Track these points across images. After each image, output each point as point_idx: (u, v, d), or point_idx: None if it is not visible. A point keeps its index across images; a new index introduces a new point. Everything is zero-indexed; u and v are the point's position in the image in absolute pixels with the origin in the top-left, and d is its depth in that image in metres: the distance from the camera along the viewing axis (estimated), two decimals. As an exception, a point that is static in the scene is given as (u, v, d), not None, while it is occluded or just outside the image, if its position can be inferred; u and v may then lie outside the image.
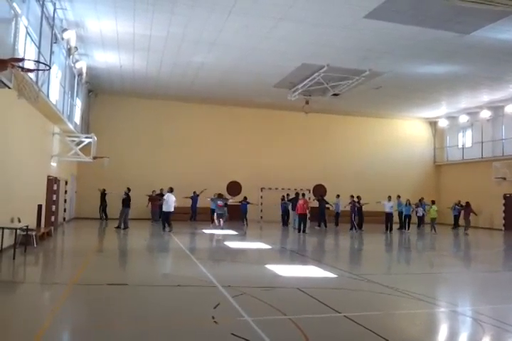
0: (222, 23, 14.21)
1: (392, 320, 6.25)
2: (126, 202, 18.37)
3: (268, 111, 26.76)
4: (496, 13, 12.33)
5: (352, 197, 22.07)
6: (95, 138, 18.85)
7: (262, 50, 16.71)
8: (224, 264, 11.06)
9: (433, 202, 22.71)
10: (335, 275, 9.28)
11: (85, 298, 6.98)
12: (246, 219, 22.47)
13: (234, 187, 25.86)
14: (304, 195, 21.20)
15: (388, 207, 21.57)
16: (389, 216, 21.31)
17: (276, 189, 25.76)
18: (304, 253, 13.45)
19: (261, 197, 25.76)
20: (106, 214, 22.47)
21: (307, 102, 22.78)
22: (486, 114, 25.62)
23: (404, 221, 22.46)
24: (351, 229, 21.10)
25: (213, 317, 5.72)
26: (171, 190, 17.82)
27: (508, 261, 13.63)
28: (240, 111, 26.51)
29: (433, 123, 30.43)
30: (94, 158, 18.79)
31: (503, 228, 24.53)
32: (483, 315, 6.39)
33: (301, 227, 19.24)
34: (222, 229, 19.17)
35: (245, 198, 22.92)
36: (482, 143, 26.71)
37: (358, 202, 21.77)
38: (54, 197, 16.91)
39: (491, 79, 19.93)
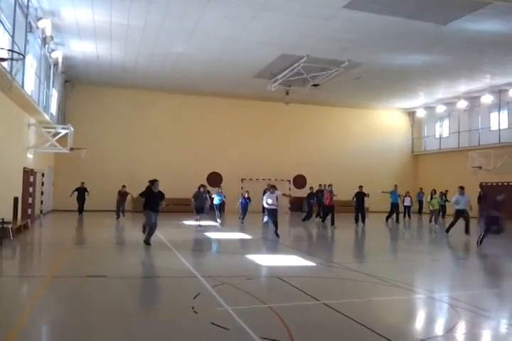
0: (201, 12, 14.05)
1: (371, 307, 6.35)
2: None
3: (248, 101, 26.68)
4: (472, 3, 12.47)
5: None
6: (72, 129, 18.54)
7: (241, 40, 16.60)
8: (204, 255, 11.06)
9: (434, 192, 20.74)
10: (315, 264, 9.37)
11: (64, 291, 6.91)
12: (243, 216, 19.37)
13: (214, 178, 25.81)
14: (330, 185, 19.41)
15: (407, 200, 22.14)
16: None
17: (257, 179, 25.80)
18: (285, 242, 13.51)
19: (241, 187, 25.77)
20: (82, 208, 21.20)
21: (287, 93, 22.80)
22: (462, 104, 26.02)
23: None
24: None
25: (193, 307, 5.72)
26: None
27: (482, 248, 13.94)
28: (220, 102, 26.37)
29: (411, 114, 30.80)
30: (71, 149, 18.50)
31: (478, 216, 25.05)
32: (459, 301, 6.54)
33: (332, 220, 18.03)
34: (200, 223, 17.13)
35: (247, 192, 20.14)
36: (459, 133, 27.19)
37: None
38: (30, 190, 16.62)
39: (468, 69, 20.22)
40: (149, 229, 11.35)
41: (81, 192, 21.06)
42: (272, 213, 14.07)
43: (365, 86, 23.48)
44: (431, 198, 20.18)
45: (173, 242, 12.23)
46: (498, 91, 24.04)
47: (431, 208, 19.81)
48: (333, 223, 18.00)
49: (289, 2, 13.21)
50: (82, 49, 18.25)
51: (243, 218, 18.90)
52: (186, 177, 23.76)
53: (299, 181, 27.39)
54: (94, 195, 21.37)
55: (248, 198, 19.24)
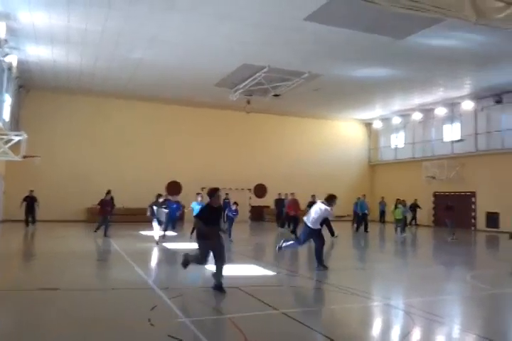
0: (162, 19, 13.94)
1: (329, 315, 6.39)
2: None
3: (209, 110, 26.61)
4: (427, 19, 12.92)
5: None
6: (25, 136, 17.87)
7: (202, 48, 16.58)
8: (161, 266, 10.85)
9: (399, 202, 19.84)
10: (274, 273, 9.36)
11: (14, 304, 6.59)
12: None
13: (174, 187, 25.49)
14: (292, 194, 18.84)
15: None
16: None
17: (218, 188, 25.64)
18: (244, 252, 13.46)
19: (202, 197, 25.53)
20: (34, 218, 19.52)
21: (248, 102, 22.88)
22: (417, 116, 26.97)
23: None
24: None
25: (149, 320, 5.58)
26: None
27: (437, 256, 14.37)
28: (181, 110, 26.16)
29: (368, 125, 31.57)
30: (24, 157, 17.82)
31: (432, 224, 25.88)
32: (414, 308, 6.69)
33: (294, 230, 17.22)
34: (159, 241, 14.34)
35: (235, 204, 16.74)
36: (413, 143, 28.10)
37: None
38: (-20, 198, 15.88)
39: (423, 83, 20.94)
40: (217, 265, 7.28)
41: (29, 201, 19.33)
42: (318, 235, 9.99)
43: (324, 97, 23.90)
44: (395, 208, 19.68)
45: (130, 253, 11.95)
46: (451, 104, 25.01)
47: (396, 217, 19.34)
48: (294, 233, 17.93)
49: (250, 12, 13.31)
50: (37, 53, 17.71)
51: (230, 234, 15.68)
52: (145, 186, 23.30)
53: (260, 190, 27.46)
54: (47, 205, 20.60)
55: (236, 211, 16.25)
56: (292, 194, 19.10)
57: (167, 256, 12.50)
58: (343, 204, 24.71)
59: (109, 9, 13.28)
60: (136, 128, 25.30)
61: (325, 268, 9.72)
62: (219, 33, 14.96)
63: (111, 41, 16.04)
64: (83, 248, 13.96)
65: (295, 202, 18.43)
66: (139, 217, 21.89)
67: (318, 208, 9.77)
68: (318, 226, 9.96)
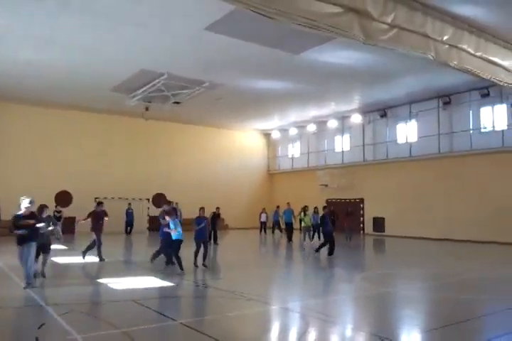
0: (54, 19, 13.15)
1: (228, 321, 6.42)
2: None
3: (106, 116, 25.52)
4: (321, 37, 13.69)
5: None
6: None
7: (99, 52, 15.90)
8: (50, 282, 10.10)
9: (307, 209, 19.12)
10: (172, 284, 9.19)
11: None
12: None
13: (63, 198, 23.80)
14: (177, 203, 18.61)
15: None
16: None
17: (113, 198, 24.62)
18: (142, 264, 13.04)
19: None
20: None
21: (147, 109, 22.38)
22: (312, 128, 28.49)
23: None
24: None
25: (37, 339, 5.19)
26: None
27: (331, 259, 15.12)
28: (74, 115, 24.72)
29: (267, 135, 32.55)
30: None
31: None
32: (309, 310, 6.97)
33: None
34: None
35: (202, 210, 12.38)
36: (308, 153, 29.48)
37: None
38: None
39: (317, 96, 22.08)
40: None
41: None
42: None
43: (225, 107, 24.15)
44: (304, 215, 18.90)
45: (14, 269, 11.00)
46: (342, 117, 26.69)
47: (303, 225, 18.78)
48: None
49: (150, 19, 13.08)
50: None
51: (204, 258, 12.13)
52: (33, 195, 21.53)
53: (158, 200, 26.82)
54: None
55: (204, 217, 12.13)
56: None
57: (56, 271, 11.68)
58: (245, 213, 25.31)
59: (-7, 4, 12.26)
60: (26, 133, 23.38)
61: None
62: (116, 37, 14.47)
63: (-5, 39, 14.78)
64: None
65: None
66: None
67: None
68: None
